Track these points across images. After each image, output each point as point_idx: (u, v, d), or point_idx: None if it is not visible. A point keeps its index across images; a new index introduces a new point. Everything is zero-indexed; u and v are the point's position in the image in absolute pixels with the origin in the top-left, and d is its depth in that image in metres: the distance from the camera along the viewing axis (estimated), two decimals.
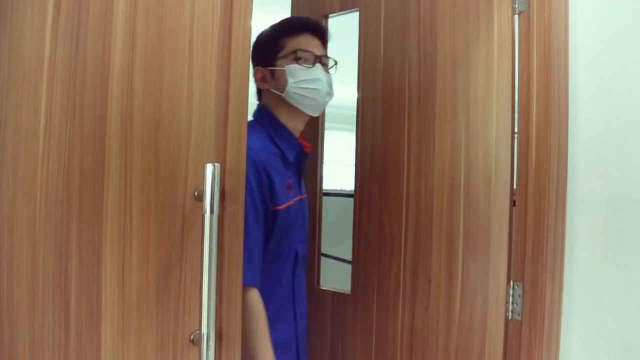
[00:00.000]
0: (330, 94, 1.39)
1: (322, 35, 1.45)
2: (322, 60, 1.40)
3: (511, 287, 1.34)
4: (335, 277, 2.28)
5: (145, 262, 0.89)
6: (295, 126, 1.41)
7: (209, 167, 0.87)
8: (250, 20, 0.96)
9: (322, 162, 1.91)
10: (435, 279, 1.48)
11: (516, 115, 1.37)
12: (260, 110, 1.43)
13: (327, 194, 2.59)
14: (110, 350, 0.86)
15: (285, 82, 1.34)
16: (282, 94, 1.35)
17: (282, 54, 1.37)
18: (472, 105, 1.44)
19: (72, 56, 0.85)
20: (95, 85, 0.86)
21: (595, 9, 1.25)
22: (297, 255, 1.42)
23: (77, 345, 0.84)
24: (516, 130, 1.37)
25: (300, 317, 1.45)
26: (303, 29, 1.41)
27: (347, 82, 1.72)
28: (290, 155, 1.38)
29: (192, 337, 0.91)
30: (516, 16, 1.37)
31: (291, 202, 1.37)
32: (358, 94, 1.77)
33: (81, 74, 0.86)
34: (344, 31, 1.83)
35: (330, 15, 1.88)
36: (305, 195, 1.50)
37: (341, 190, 2.74)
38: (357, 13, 1.80)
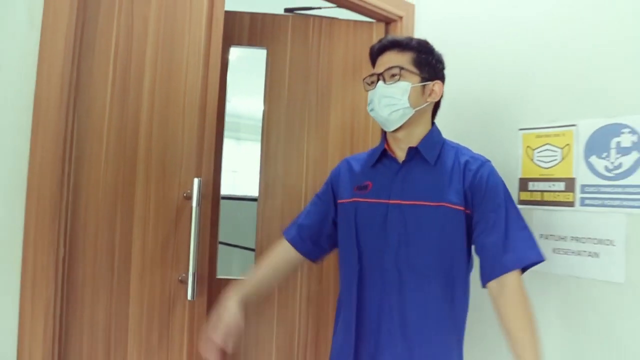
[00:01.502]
0: (386, 105, 1.31)
1: (394, 45, 1.35)
2: (383, 76, 1.33)
3: None
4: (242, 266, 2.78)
5: (156, 233, 1.49)
6: (391, 142, 1.41)
7: (196, 180, 1.49)
8: (217, 95, 1.58)
9: (220, 169, 1.99)
10: (327, 261, 1.93)
11: None
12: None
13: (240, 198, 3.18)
14: (135, 283, 1.46)
15: None
16: None
17: None
18: (355, 134, 2.11)
19: (120, 112, 1.43)
20: (132, 129, 1.45)
21: None
22: (375, 263, 1.32)
23: (118, 280, 1.43)
24: None
25: (389, 348, 1.25)
26: (375, 56, 1.39)
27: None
28: (370, 161, 1.42)
29: (180, 278, 1.53)
30: None
31: (356, 199, 1.38)
32: (263, 119, 2.03)
33: (124, 123, 1.43)
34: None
35: (234, 45, 2.02)
36: (404, 201, 1.30)
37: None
38: (265, 51, 2.03)
